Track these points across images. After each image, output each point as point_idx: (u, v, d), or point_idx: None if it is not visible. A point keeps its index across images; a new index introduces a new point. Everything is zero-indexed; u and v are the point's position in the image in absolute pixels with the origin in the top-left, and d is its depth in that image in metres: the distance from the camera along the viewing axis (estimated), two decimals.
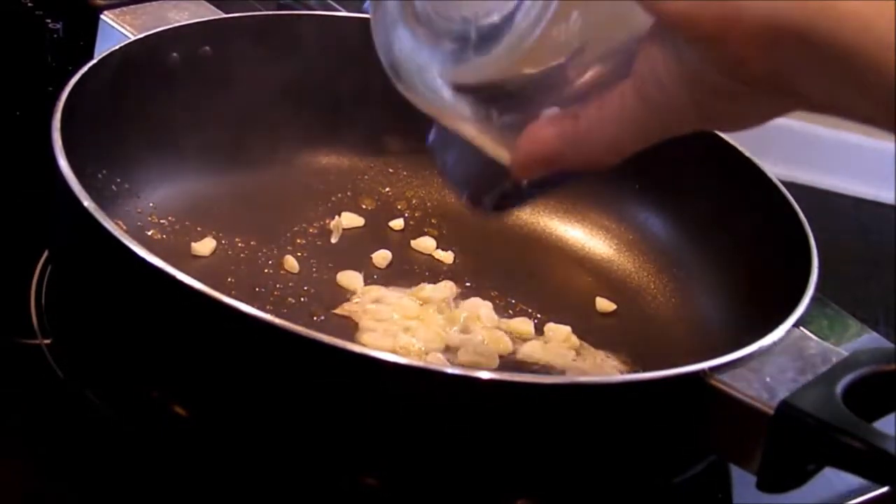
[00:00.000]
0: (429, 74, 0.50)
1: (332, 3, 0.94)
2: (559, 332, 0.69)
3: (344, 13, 0.83)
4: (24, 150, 0.75)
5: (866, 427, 0.51)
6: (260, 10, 0.85)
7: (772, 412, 0.53)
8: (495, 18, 0.47)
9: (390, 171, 0.80)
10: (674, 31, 0.42)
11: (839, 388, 0.53)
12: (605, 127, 0.46)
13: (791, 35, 0.39)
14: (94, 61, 0.67)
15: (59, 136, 0.59)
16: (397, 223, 0.77)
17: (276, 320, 0.51)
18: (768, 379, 0.55)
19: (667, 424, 0.56)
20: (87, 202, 0.56)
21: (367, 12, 0.97)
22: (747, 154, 0.72)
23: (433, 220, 0.78)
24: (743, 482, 0.60)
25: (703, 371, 0.55)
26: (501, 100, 0.49)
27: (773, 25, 0.39)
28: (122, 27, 0.74)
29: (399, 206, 0.78)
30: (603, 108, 0.45)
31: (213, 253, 0.70)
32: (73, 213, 0.57)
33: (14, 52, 0.82)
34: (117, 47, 0.69)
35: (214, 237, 0.71)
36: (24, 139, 0.77)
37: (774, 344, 0.57)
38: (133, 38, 0.72)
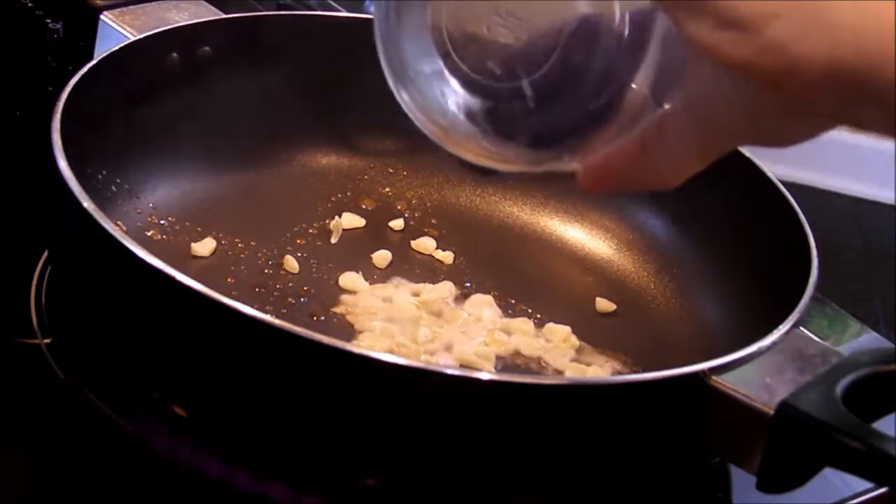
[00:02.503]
0: (444, 98, 0.50)
1: (332, 3, 0.94)
2: (559, 332, 0.69)
3: (344, 13, 0.83)
4: (24, 150, 0.75)
5: (866, 428, 0.51)
6: (260, 10, 0.85)
7: (772, 412, 0.53)
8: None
9: (390, 171, 0.80)
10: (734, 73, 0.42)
11: (839, 388, 0.53)
12: (669, 150, 0.46)
13: (852, 80, 0.39)
14: (94, 61, 0.67)
15: (58, 137, 0.59)
16: (397, 223, 0.77)
17: (276, 321, 0.51)
18: (768, 379, 0.55)
19: (667, 424, 0.56)
20: (86, 203, 0.56)
21: (367, 12, 0.97)
22: (747, 154, 0.72)
23: (433, 220, 0.78)
24: (743, 482, 0.60)
25: (703, 371, 0.55)
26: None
27: (833, 73, 0.40)
28: (122, 27, 0.74)
29: (399, 206, 0.78)
30: (663, 132, 0.46)
31: (213, 253, 0.70)
32: (73, 214, 0.56)
33: (14, 52, 0.82)
34: (117, 47, 0.69)
35: (214, 237, 0.71)
36: (24, 139, 0.77)
37: (774, 344, 0.57)
38: (133, 38, 0.72)
